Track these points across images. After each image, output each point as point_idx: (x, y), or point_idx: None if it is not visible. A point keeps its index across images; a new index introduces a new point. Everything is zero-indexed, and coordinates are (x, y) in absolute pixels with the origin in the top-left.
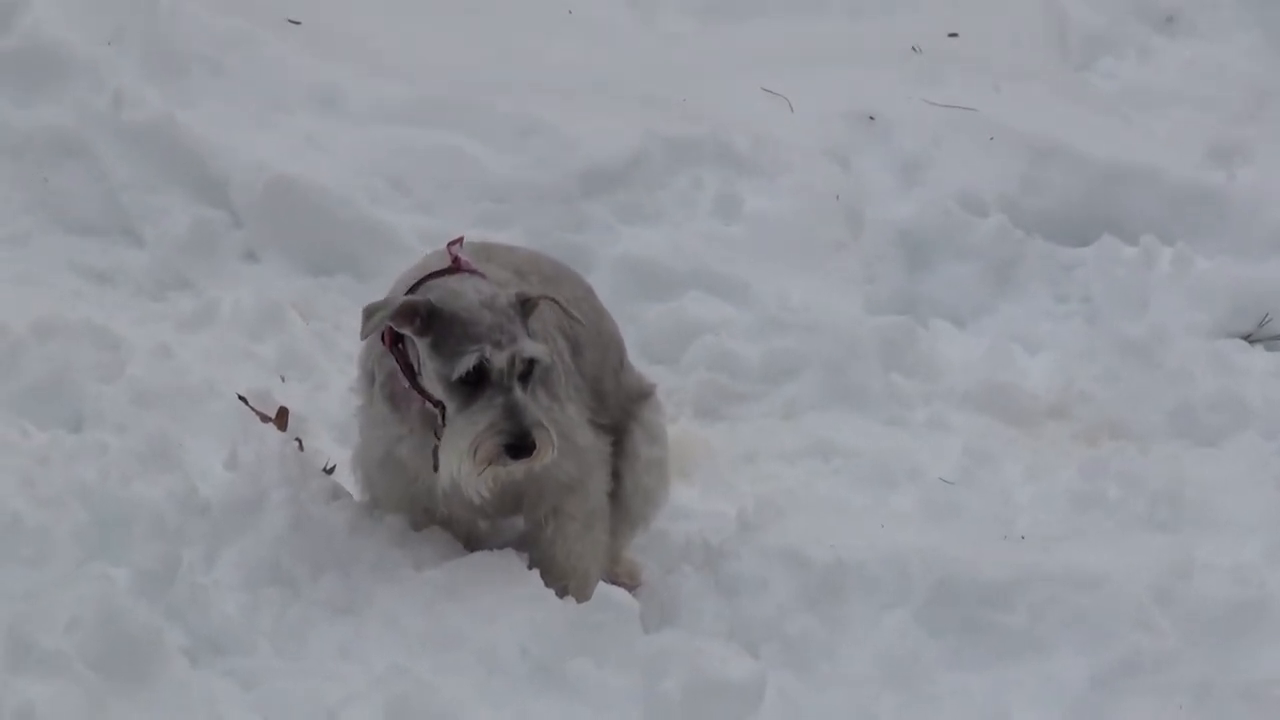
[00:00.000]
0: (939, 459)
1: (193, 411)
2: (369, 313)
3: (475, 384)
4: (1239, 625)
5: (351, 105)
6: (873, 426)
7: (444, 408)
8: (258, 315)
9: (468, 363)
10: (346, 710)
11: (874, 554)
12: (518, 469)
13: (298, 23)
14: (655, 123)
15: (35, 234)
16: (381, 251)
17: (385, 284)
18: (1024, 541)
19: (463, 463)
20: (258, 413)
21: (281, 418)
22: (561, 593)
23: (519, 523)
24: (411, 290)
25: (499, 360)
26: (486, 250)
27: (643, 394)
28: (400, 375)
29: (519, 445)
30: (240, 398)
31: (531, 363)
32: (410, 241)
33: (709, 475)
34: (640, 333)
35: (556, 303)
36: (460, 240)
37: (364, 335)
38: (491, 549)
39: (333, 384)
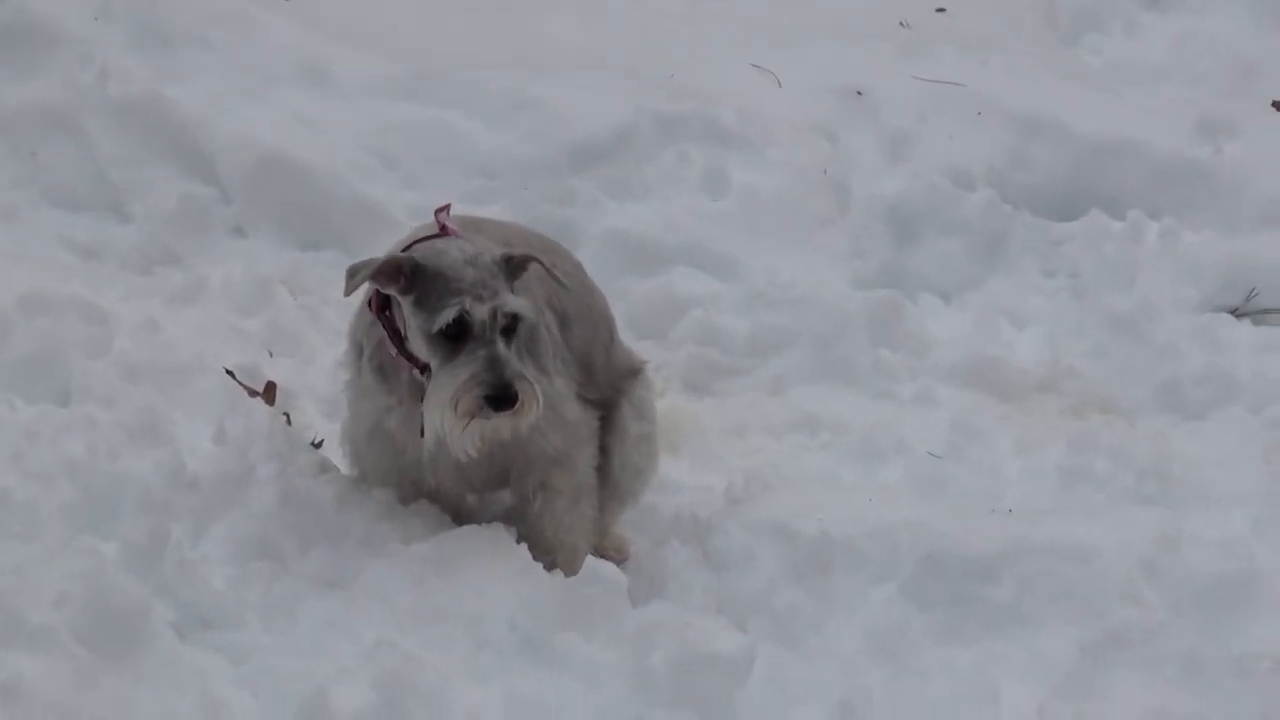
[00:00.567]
0: (927, 433)
1: (181, 386)
2: (352, 271)
3: (456, 338)
4: (1227, 598)
5: (340, 80)
6: (860, 401)
7: (430, 373)
8: (246, 291)
9: (448, 315)
10: (335, 684)
11: (862, 528)
12: (503, 425)
13: None
14: (644, 98)
15: (23, 209)
16: (370, 227)
17: None
18: (1012, 515)
19: (445, 416)
20: (246, 388)
21: (269, 392)
22: (550, 567)
23: (507, 497)
24: None
25: (480, 313)
26: (477, 224)
27: (632, 371)
28: (388, 344)
29: (500, 396)
30: (228, 372)
31: (514, 318)
32: (399, 217)
33: (697, 449)
34: (628, 308)
35: (540, 263)
36: (448, 208)
37: (347, 293)
38: (480, 523)
39: (321, 359)
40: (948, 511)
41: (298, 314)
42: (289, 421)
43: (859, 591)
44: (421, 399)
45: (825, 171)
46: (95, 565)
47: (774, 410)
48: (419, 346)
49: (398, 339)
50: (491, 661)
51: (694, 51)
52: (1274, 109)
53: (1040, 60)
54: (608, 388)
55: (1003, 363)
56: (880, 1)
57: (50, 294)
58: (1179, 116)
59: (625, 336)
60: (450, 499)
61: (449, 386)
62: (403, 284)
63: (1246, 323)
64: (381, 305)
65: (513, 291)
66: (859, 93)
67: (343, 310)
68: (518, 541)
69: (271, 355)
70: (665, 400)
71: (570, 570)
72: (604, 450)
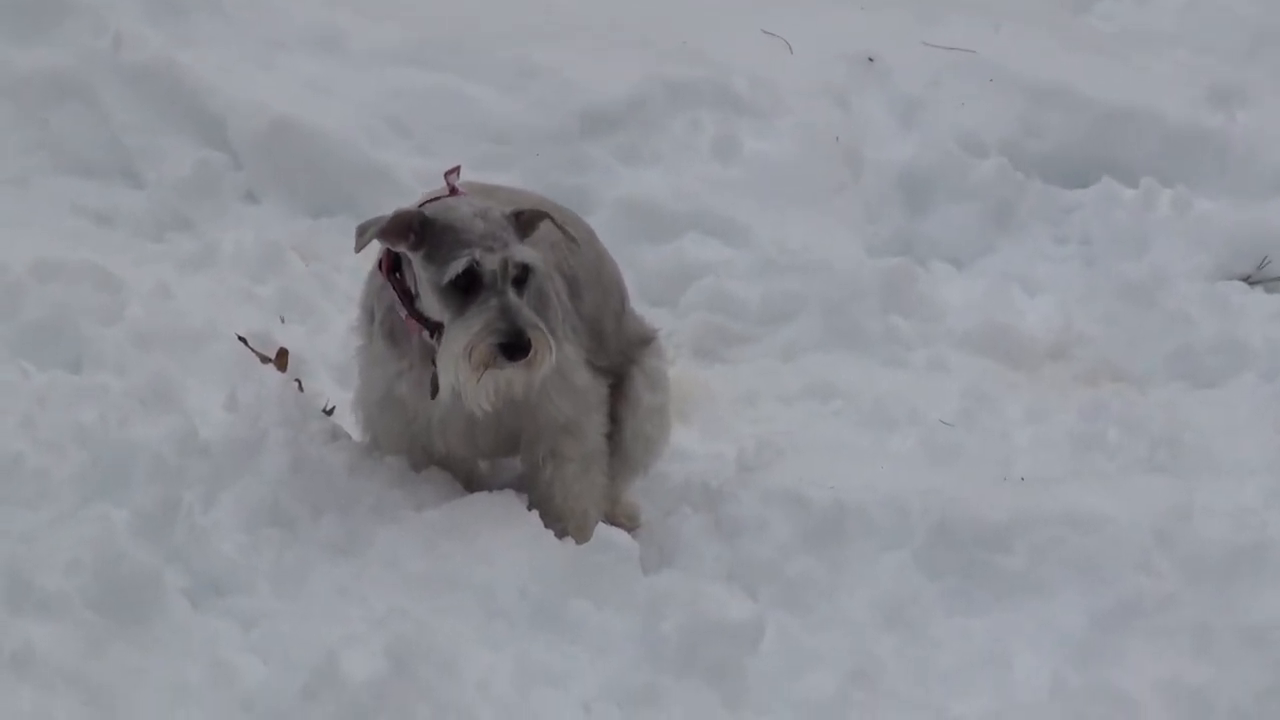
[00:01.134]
0: (938, 400)
1: (193, 353)
2: (362, 229)
3: (467, 289)
4: (1239, 568)
5: (352, 47)
6: (872, 368)
7: (442, 331)
8: (258, 257)
9: (458, 266)
10: (346, 651)
11: (873, 496)
12: (516, 377)
13: None
14: (655, 65)
15: (35, 175)
16: (381, 193)
17: None
18: (1024, 483)
19: (459, 367)
20: (257, 354)
21: (281, 359)
22: (560, 534)
23: (518, 464)
24: None
25: (490, 263)
26: (488, 191)
27: (644, 339)
28: (399, 306)
29: (514, 344)
30: (240, 339)
31: (525, 268)
32: (410, 183)
33: (708, 417)
34: (639, 275)
35: (551, 219)
36: (457, 170)
37: (357, 249)
38: (491, 490)
39: (332, 325)
40: (959, 479)
41: (309, 280)
42: (300, 388)
43: (870, 559)
44: (432, 361)
45: (837, 138)
46: (106, 532)
47: (785, 377)
48: (430, 303)
49: (408, 300)
50: (502, 628)
51: (705, 18)
52: None
53: (1052, 27)
54: (619, 355)
55: (1014, 330)
56: None
57: (62, 260)
58: (1191, 84)
59: (636, 304)
60: (461, 465)
61: (462, 337)
62: (412, 240)
63: (1259, 290)
64: (392, 266)
65: (521, 241)
66: (870, 59)
67: (354, 276)
68: (529, 509)
69: (283, 321)
70: (676, 368)
71: (581, 537)
72: (616, 420)
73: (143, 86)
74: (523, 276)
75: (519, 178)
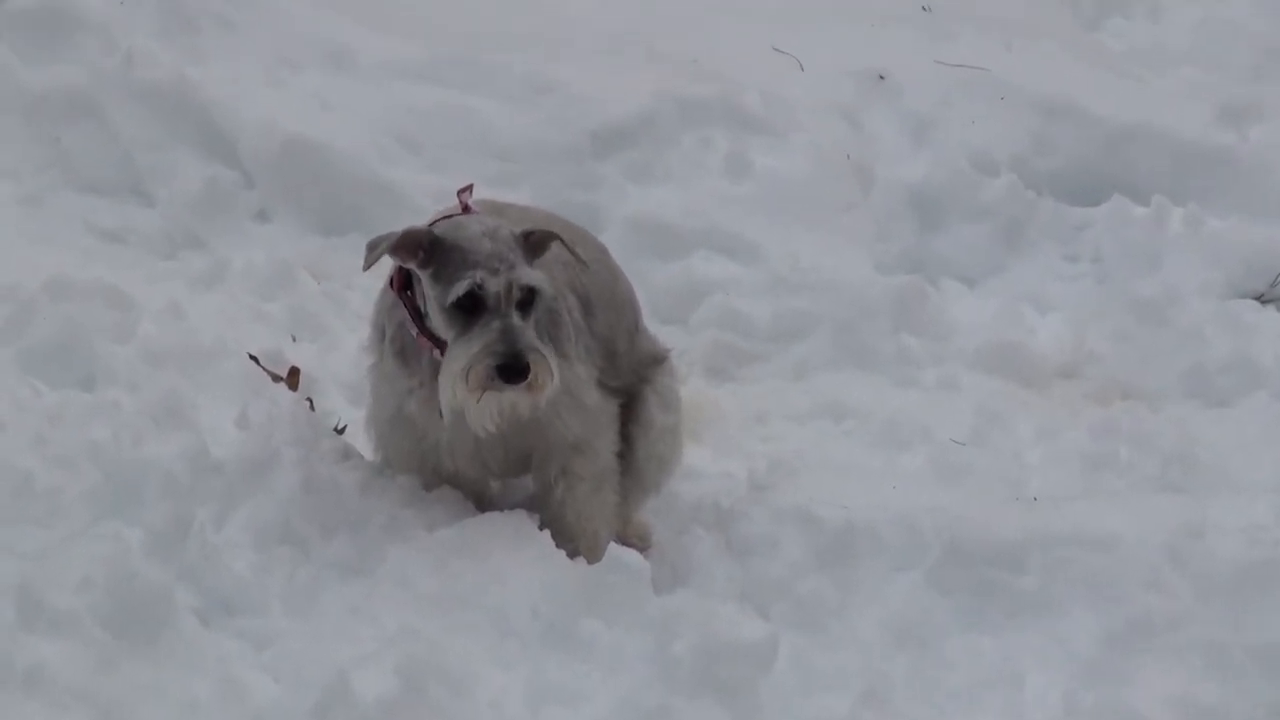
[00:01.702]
0: (950, 419)
1: (204, 371)
2: (372, 245)
3: (471, 310)
4: (1251, 586)
5: (363, 64)
6: (883, 387)
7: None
8: (269, 275)
9: (462, 287)
10: (357, 670)
11: (885, 515)
12: (520, 400)
13: None
14: (666, 82)
15: (47, 193)
16: (393, 211)
17: None
18: (1035, 502)
19: (457, 387)
20: (269, 372)
21: (293, 377)
22: (572, 554)
23: (529, 483)
24: None
25: (494, 285)
26: (499, 210)
27: (657, 359)
28: (409, 324)
29: (511, 367)
30: (251, 357)
31: (530, 291)
32: (421, 201)
33: (719, 436)
34: (649, 292)
35: (561, 241)
36: (470, 188)
37: (366, 266)
38: (502, 510)
39: (344, 344)
40: (970, 498)
41: (320, 299)
42: (312, 407)
43: (882, 579)
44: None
45: (848, 156)
46: (118, 550)
47: (796, 396)
48: (437, 321)
49: (419, 317)
50: (514, 648)
51: (716, 35)
52: None
53: (1063, 44)
54: (631, 375)
55: (1025, 348)
56: None
57: (74, 278)
58: (1202, 101)
59: (647, 322)
60: (472, 485)
61: (461, 358)
62: (421, 258)
63: (1271, 309)
64: (403, 284)
65: (530, 267)
66: (881, 77)
67: (366, 295)
68: (540, 528)
69: (294, 340)
70: (687, 386)
71: (593, 557)
72: (628, 440)
73: (154, 104)
74: (528, 299)
75: (530, 195)
